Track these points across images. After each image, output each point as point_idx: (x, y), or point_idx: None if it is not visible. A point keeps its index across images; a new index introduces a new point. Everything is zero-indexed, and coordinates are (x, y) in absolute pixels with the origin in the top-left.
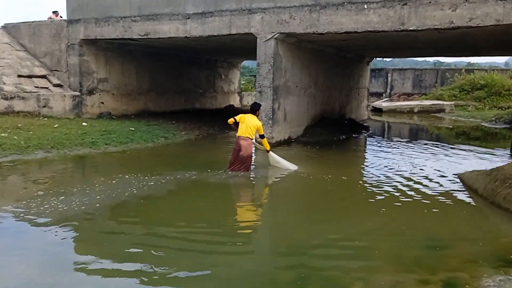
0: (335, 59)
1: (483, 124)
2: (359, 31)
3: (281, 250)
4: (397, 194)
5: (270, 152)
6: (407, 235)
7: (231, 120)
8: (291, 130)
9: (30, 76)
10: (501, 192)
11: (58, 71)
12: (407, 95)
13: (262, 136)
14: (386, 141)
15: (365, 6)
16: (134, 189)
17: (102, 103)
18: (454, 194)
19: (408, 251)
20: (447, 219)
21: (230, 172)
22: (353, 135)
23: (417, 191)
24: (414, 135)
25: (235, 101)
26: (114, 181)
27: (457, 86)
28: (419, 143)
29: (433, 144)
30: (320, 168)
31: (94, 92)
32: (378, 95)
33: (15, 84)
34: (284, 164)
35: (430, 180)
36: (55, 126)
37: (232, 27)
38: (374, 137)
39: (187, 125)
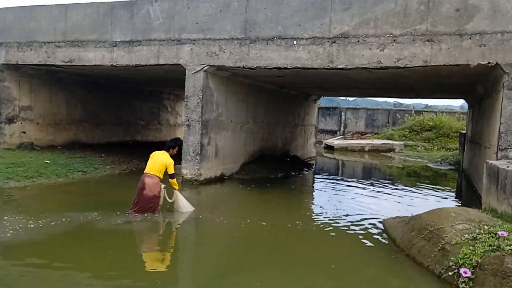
0: (277, 96)
1: (428, 164)
2: (288, 67)
3: None
4: (310, 242)
5: (177, 192)
6: None
7: None
8: (224, 167)
9: None
10: (417, 244)
11: None
12: (361, 133)
13: (171, 176)
14: (328, 179)
15: (295, 42)
16: (9, 233)
17: (24, 132)
18: (372, 244)
19: None
20: (352, 277)
21: (132, 214)
22: (292, 173)
23: (333, 239)
24: (361, 174)
25: (182, 134)
26: None
27: (407, 126)
28: (362, 181)
29: (375, 182)
30: (240, 210)
31: (15, 120)
32: (333, 133)
33: None
34: (183, 206)
35: (352, 226)
36: None
37: (160, 57)
38: (317, 175)
39: (117, 159)
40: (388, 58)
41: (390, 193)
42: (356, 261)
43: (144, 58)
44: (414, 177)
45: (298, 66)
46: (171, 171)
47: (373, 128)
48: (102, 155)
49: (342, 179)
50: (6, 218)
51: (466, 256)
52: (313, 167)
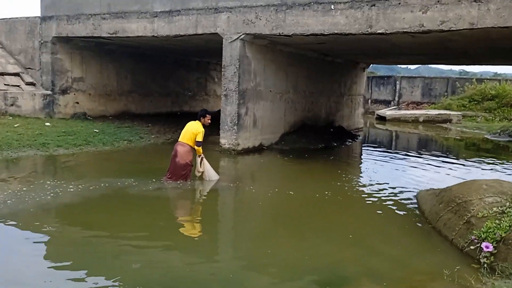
0: (320, 64)
1: (486, 136)
2: (325, 33)
3: None
4: (332, 212)
5: (205, 161)
6: (303, 268)
7: None
8: (263, 137)
9: (1, 74)
10: (443, 217)
11: (31, 69)
12: (416, 103)
13: (197, 143)
14: (373, 150)
15: (332, 7)
16: (49, 196)
17: (77, 103)
18: (399, 216)
19: None
20: (368, 248)
21: (166, 181)
22: (334, 144)
23: (357, 210)
24: (411, 145)
25: None
26: (28, 187)
27: (467, 96)
28: (410, 153)
29: (425, 154)
30: (273, 180)
31: (68, 91)
32: (387, 103)
33: None
34: (208, 175)
35: (383, 197)
36: (15, 125)
37: (198, 27)
38: (363, 146)
39: (162, 128)
40: (431, 21)
41: (439, 165)
42: (376, 232)
43: (183, 28)
44: (471, 149)
45: (335, 32)
46: (199, 139)
47: (430, 98)
48: (149, 125)
49: (389, 151)
50: (48, 182)
51: (490, 230)
52: (358, 138)
